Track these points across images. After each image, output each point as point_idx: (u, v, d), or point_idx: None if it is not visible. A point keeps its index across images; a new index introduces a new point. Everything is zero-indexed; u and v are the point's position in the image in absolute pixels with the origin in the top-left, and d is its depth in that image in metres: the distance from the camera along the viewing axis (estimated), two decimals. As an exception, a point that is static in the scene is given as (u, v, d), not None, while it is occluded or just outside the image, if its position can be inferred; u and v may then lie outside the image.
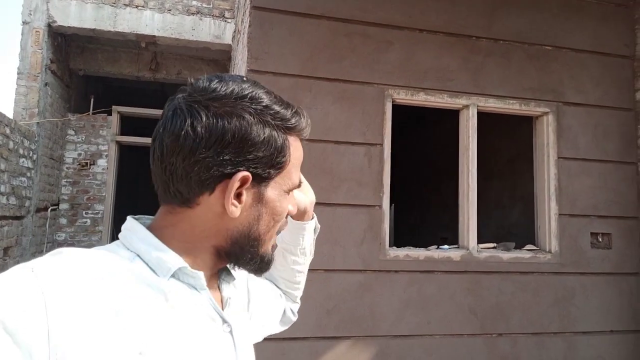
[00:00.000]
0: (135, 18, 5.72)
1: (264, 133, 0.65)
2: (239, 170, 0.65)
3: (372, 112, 3.23)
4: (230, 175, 0.64)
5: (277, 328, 1.06)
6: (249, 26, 3.16)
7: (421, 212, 7.93)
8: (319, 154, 3.11)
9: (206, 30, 5.83)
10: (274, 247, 0.75)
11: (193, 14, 5.86)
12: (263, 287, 1.00)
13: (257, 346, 2.68)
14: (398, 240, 7.72)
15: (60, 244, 6.23)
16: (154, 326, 0.60)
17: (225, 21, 5.88)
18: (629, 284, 3.48)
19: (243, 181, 0.65)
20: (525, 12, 3.55)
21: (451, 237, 3.59)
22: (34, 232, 5.70)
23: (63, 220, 6.29)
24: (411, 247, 3.27)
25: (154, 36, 5.77)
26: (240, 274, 0.82)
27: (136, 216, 0.72)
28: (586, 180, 3.49)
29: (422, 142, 7.82)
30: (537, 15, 3.57)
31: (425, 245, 3.52)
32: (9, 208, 4.76)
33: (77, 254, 0.60)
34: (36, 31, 5.32)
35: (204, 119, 0.63)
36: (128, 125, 7.16)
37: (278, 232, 0.75)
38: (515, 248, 3.48)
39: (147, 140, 6.42)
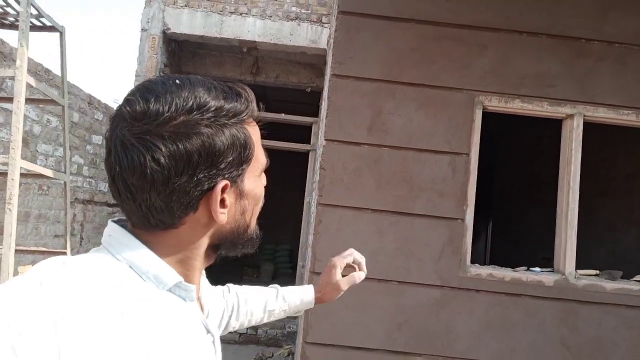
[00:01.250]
0: (239, 25, 6.05)
1: (226, 137, 0.64)
2: (216, 183, 0.65)
3: (459, 119, 3.05)
4: (210, 189, 0.64)
5: None
6: (335, 31, 3.16)
7: (523, 229, 7.35)
8: (400, 161, 3.01)
9: (303, 35, 5.98)
10: (257, 226, 0.78)
11: (292, 19, 6.05)
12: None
13: (325, 351, 2.65)
14: (495, 257, 7.22)
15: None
16: (156, 339, 0.60)
17: (322, 26, 5.98)
18: None
19: (223, 189, 0.66)
20: (649, 10, 3.10)
21: (552, 257, 3.26)
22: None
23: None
24: (496, 267, 3.03)
25: (255, 41, 6.05)
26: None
27: (116, 219, 0.70)
28: None
29: (526, 153, 7.24)
30: (665, 12, 3.10)
31: (525, 264, 3.23)
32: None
33: (81, 266, 0.60)
34: (152, 37, 5.88)
35: (163, 149, 0.60)
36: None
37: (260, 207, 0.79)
38: (624, 277, 3.06)
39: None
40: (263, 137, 0.76)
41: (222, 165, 0.64)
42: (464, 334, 2.88)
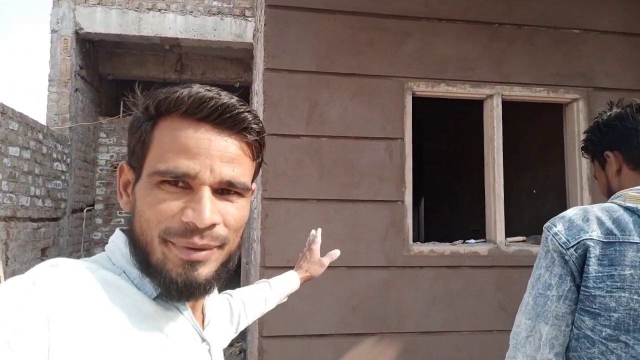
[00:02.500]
0: (158, 22, 5.82)
1: (134, 124, 0.68)
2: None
3: (391, 105, 3.18)
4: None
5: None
6: (265, 25, 3.15)
7: (454, 204, 7.79)
8: (339, 150, 3.09)
9: (227, 30, 5.88)
10: (179, 267, 0.71)
11: (214, 14, 5.92)
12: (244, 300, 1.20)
13: (283, 342, 2.68)
14: (429, 234, 7.60)
15: (97, 243, 6.46)
16: (143, 345, 0.60)
17: (246, 20, 5.92)
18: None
19: (119, 172, 0.73)
20: (551, -5, 3.40)
21: (482, 228, 3.51)
22: (71, 233, 5.91)
23: (99, 220, 6.51)
24: (436, 242, 3.21)
25: (177, 38, 5.86)
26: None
27: (125, 228, 0.71)
28: (620, 168, 3.33)
29: (453, 133, 7.66)
30: (564, -3, 3.41)
31: (457, 238, 3.45)
32: (45, 210, 4.97)
33: (74, 268, 0.60)
34: (64, 39, 5.50)
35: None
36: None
37: (172, 237, 0.65)
38: (546, 240, 3.36)
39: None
40: None
41: (130, 147, 0.68)
42: (412, 309, 3.03)
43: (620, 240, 1.03)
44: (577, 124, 3.36)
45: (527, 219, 5.10)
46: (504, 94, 3.31)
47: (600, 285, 1.01)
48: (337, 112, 3.11)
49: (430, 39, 3.27)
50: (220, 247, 0.65)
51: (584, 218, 1.10)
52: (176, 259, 0.62)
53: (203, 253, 0.63)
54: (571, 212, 1.16)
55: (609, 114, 1.31)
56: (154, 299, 0.65)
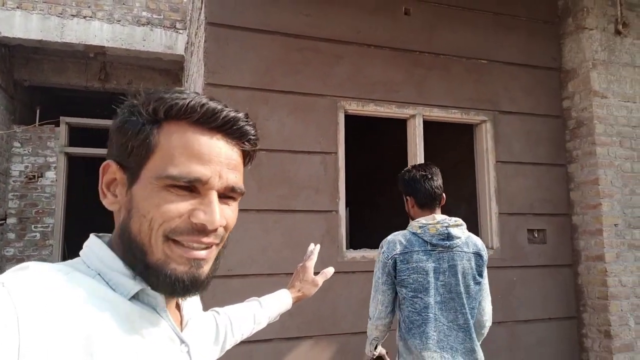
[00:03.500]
0: (83, 29, 5.63)
1: (127, 123, 0.68)
2: (107, 161, 0.73)
3: (326, 122, 3.41)
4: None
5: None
6: (205, 41, 3.26)
7: (374, 214, 8.21)
8: (278, 163, 3.25)
9: (157, 41, 5.83)
10: (185, 265, 0.72)
11: (143, 24, 5.84)
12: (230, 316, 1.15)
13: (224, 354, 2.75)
14: (354, 242, 7.95)
15: (9, 260, 6.00)
16: (117, 346, 0.59)
17: (177, 32, 5.91)
18: (564, 275, 3.84)
19: (104, 170, 0.72)
20: (462, 29, 3.85)
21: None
22: (-22, 250, 5.44)
23: (11, 235, 6.06)
24: (367, 249, 3.47)
25: (103, 47, 5.70)
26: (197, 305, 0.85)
27: (99, 234, 0.71)
28: (522, 182, 3.83)
29: (377, 149, 8.11)
30: (473, 31, 3.88)
31: (375, 245, 3.72)
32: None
33: (44, 270, 0.60)
34: (-22, 42, 5.14)
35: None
36: (77, 136, 6.99)
37: (179, 235, 0.67)
38: (462, 246, 3.75)
39: (98, 151, 6.31)
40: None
41: (114, 147, 0.68)
42: (346, 312, 3.25)
43: (409, 250, 2.00)
44: (486, 142, 3.82)
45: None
46: (425, 114, 3.68)
47: (404, 273, 2.00)
48: (275, 127, 3.28)
49: (360, 62, 3.56)
50: (218, 244, 0.70)
51: (393, 242, 2.06)
52: (180, 258, 0.65)
53: (205, 252, 0.67)
54: (389, 238, 2.09)
55: (409, 174, 2.17)
56: (130, 300, 0.64)
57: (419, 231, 2.01)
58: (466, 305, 2.00)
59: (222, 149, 0.67)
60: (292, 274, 3.22)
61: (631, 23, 4.04)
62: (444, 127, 4.39)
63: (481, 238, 3.77)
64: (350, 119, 3.70)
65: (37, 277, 0.58)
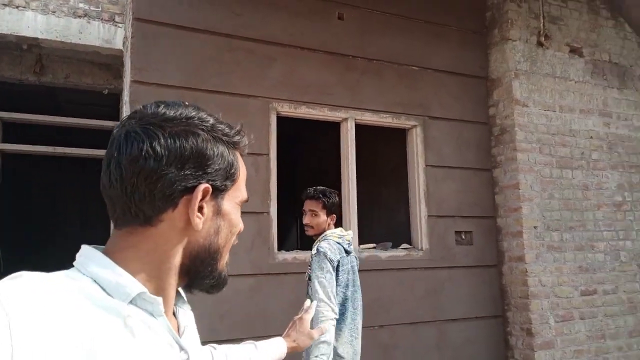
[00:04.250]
0: (15, 19, 5.35)
1: (217, 148, 0.70)
2: (200, 183, 0.68)
3: (258, 123, 3.41)
4: (192, 189, 0.68)
5: None
6: (132, 37, 3.18)
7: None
8: (206, 164, 3.21)
9: (95, 34, 5.62)
10: (227, 264, 0.79)
11: (80, 16, 5.62)
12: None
13: None
14: (304, 244, 7.96)
15: None
16: (113, 353, 0.59)
17: (116, 25, 5.72)
18: (489, 275, 4.01)
19: (204, 193, 0.68)
20: (395, 35, 3.95)
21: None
22: None
23: None
24: (299, 251, 3.50)
25: (37, 38, 5.43)
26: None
27: (90, 245, 0.72)
28: (451, 185, 3.97)
29: (320, 151, 8.18)
30: (405, 38, 3.99)
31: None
32: None
33: (37, 278, 0.60)
34: None
35: (161, 138, 0.66)
36: (12, 132, 6.64)
37: (233, 243, 0.79)
38: (394, 247, 3.85)
39: (37, 149, 5.99)
40: (55, 143, 0.75)
41: (209, 170, 0.69)
42: (277, 313, 3.25)
43: (342, 255, 2.47)
44: (416, 146, 3.94)
45: (384, 229, 5.70)
46: (357, 118, 3.75)
47: (339, 273, 2.43)
48: (204, 128, 3.24)
49: (293, 64, 3.58)
50: None
51: (333, 249, 2.45)
52: (226, 262, 0.79)
53: None
54: (328, 246, 2.46)
55: (336, 196, 2.66)
56: (128, 305, 0.64)
57: (339, 240, 2.53)
58: (360, 295, 2.60)
59: None
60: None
61: (553, 35, 4.29)
62: (385, 131, 4.48)
63: (411, 239, 3.90)
64: (288, 121, 3.71)
65: (29, 284, 0.58)
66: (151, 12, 3.22)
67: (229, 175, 0.72)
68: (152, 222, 0.67)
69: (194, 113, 0.70)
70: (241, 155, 0.78)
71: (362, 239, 3.81)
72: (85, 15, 5.66)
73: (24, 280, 0.59)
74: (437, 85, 4.06)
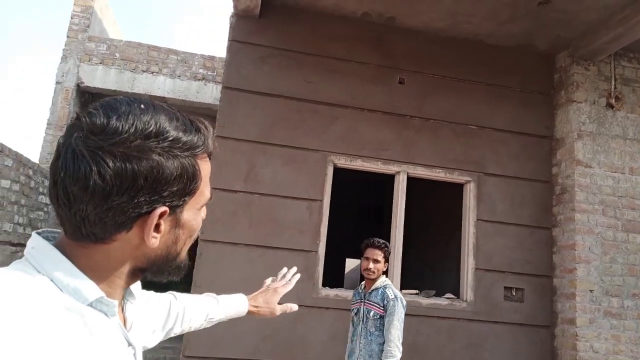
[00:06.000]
0: (150, 82, 6.72)
1: (176, 168, 0.65)
2: (155, 208, 0.64)
3: (315, 173, 3.93)
4: (147, 213, 0.64)
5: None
6: (220, 101, 3.97)
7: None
8: (268, 205, 3.80)
9: (209, 94, 6.77)
10: (187, 254, 0.77)
11: (199, 79, 6.83)
12: (156, 301, 1.10)
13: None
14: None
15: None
16: (76, 351, 0.60)
17: (226, 87, 6.84)
18: (540, 335, 3.93)
19: (163, 215, 0.66)
20: (454, 97, 4.26)
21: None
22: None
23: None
24: (342, 289, 3.85)
25: (164, 97, 6.73)
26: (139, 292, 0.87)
27: (39, 230, 0.70)
28: (502, 241, 4.04)
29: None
30: (464, 99, 4.28)
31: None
32: (25, 237, 5.58)
33: None
34: (66, 90, 6.35)
35: (111, 166, 0.60)
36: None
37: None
38: (437, 295, 4.01)
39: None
40: None
41: (165, 193, 0.64)
42: (315, 343, 3.62)
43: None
44: (469, 201, 4.11)
45: (455, 280, 5.73)
46: (409, 171, 4.08)
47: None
48: (269, 175, 3.85)
49: (353, 123, 4.08)
50: None
51: (403, 297, 2.85)
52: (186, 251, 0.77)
53: None
54: (400, 294, 2.86)
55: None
56: (80, 305, 0.64)
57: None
58: None
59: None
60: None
61: (625, 97, 4.22)
62: (448, 186, 4.67)
63: (459, 290, 4.02)
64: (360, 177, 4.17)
65: None
66: (238, 82, 3.99)
67: (189, 191, 0.68)
68: (105, 241, 0.65)
69: (151, 127, 0.63)
70: (207, 154, 0.71)
71: (432, 286, 4.03)
72: (203, 78, 6.85)
73: None
74: (495, 144, 4.23)
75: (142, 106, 0.65)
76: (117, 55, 6.70)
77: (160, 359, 6.41)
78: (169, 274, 0.74)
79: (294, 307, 1.43)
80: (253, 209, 3.76)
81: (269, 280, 1.44)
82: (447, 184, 4.47)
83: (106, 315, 0.67)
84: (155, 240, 0.66)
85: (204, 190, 0.72)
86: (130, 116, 0.63)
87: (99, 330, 0.64)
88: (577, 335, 3.61)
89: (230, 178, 3.79)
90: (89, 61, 6.59)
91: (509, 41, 4.32)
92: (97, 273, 0.66)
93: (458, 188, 4.46)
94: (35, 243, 0.66)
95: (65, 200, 0.63)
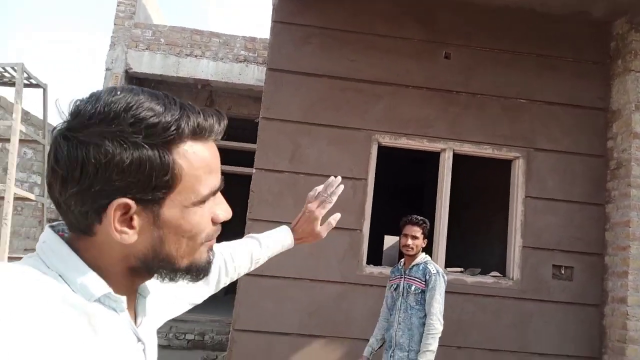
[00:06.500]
0: (193, 66, 6.87)
1: (133, 157, 0.60)
2: (113, 199, 0.61)
3: (359, 152, 3.94)
4: (107, 205, 0.61)
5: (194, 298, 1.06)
6: (265, 83, 4.02)
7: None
8: (312, 185, 3.83)
9: (250, 75, 6.86)
10: (209, 254, 0.71)
11: (241, 61, 6.92)
12: None
13: (250, 336, 3.41)
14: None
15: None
16: (78, 351, 0.59)
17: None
18: (589, 314, 3.84)
19: (125, 208, 0.62)
20: (502, 70, 4.13)
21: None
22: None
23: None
24: (386, 266, 3.89)
25: (208, 80, 6.88)
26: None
27: (54, 224, 0.69)
28: (551, 218, 3.94)
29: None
30: (513, 72, 4.13)
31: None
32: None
33: (4, 270, 0.60)
34: (115, 76, 6.60)
35: (65, 152, 0.59)
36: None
37: (210, 239, 0.70)
38: (482, 274, 3.98)
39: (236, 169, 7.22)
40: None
41: (120, 184, 0.60)
42: (359, 320, 3.70)
43: None
44: (517, 178, 4.02)
45: (497, 257, 5.65)
46: (455, 148, 4.02)
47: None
48: (314, 155, 3.90)
49: (397, 101, 4.04)
50: None
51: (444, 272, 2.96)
52: (207, 252, 0.71)
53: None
54: (441, 270, 2.92)
55: None
56: (89, 301, 0.63)
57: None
58: None
59: (218, 153, 0.69)
60: (315, 280, 3.79)
61: (690, 65, 3.95)
62: (496, 162, 4.55)
63: (505, 268, 3.97)
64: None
65: None
66: (281, 63, 4.02)
67: (160, 185, 0.62)
68: (89, 233, 0.64)
69: (113, 111, 0.60)
70: (194, 138, 0.64)
71: (475, 264, 4.01)
72: (245, 60, 6.93)
73: None
74: (546, 117, 4.08)
75: (119, 92, 0.62)
76: (162, 40, 6.87)
77: (207, 332, 6.73)
78: (181, 275, 0.69)
79: (337, 216, 1.29)
80: (298, 188, 3.83)
81: (310, 195, 1.30)
82: (492, 161, 4.38)
83: (115, 311, 0.66)
84: (126, 236, 0.63)
85: (195, 186, 0.64)
86: (99, 101, 0.61)
87: (104, 327, 0.63)
88: (627, 314, 3.51)
89: (276, 159, 3.87)
90: (136, 47, 6.80)
91: (562, 9, 4.11)
92: (96, 269, 0.64)
93: (504, 165, 4.36)
94: (47, 237, 0.66)
95: (48, 187, 0.64)
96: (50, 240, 0.65)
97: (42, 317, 0.56)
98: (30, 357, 0.54)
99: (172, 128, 0.61)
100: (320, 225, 1.27)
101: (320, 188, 1.30)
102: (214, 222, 0.69)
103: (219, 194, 0.69)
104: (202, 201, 0.66)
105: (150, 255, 0.66)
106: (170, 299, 0.92)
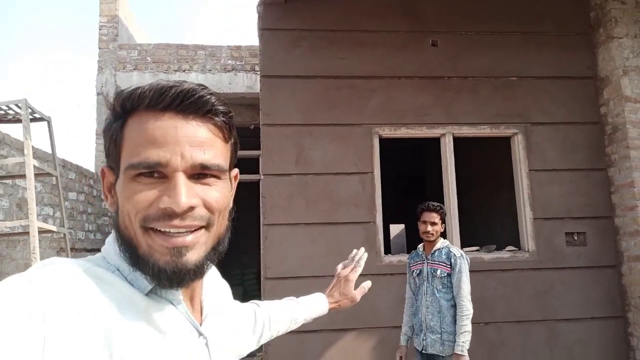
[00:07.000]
0: (182, 80, 6.91)
1: (108, 126, 0.67)
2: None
3: (362, 146, 4.01)
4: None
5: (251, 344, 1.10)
6: (260, 90, 4.08)
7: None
8: (322, 184, 3.93)
9: (240, 83, 6.91)
10: (148, 242, 0.64)
11: (229, 71, 6.97)
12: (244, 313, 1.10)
13: (282, 337, 3.47)
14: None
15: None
16: (135, 340, 0.61)
17: (255, 73, 6.93)
18: (606, 276, 3.95)
19: (103, 174, 0.70)
20: (490, 51, 4.21)
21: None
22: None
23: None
24: (404, 254, 3.97)
25: (199, 93, 6.92)
26: (224, 292, 0.88)
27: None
28: (557, 188, 4.04)
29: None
30: (501, 52, 4.22)
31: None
32: (96, 242, 5.97)
33: (68, 265, 0.62)
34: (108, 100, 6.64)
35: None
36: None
37: (149, 223, 0.64)
38: (498, 250, 4.07)
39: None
40: None
41: (106, 152, 0.68)
42: (384, 309, 3.78)
43: None
44: (518, 153, 4.11)
45: (507, 234, 5.76)
46: (454, 132, 4.11)
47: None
48: (319, 155, 3.97)
49: (391, 93, 4.12)
50: (206, 227, 0.67)
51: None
52: (161, 248, 0.63)
53: (190, 237, 0.65)
54: (465, 254, 3.00)
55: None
56: (147, 294, 0.66)
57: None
58: None
59: (178, 127, 0.64)
60: (334, 275, 3.85)
61: (669, 25, 4.06)
62: (495, 141, 4.67)
63: (519, 241, 4.07)
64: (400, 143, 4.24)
65: (61, 272, 0.60)
66: (274, 69, 4.08)
67: (112, 152, 0.66)
68: None
69: (124, 90, 0.67)
70: (147, 109, 0.64)
71: (487, 242, 4.10)
72: (233, 69, 6.98)
73: (56, 269, 0.61)
74: (537, 92, 4.18)
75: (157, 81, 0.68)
76: (149, 59, 6.90)
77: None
78: (137, 263, 0.65)
79: (368, 283, 1.41)
80: (308, 189, 3.90)
81: (339, 267, 1.40)
82: (488, 140, 4.47)
83: (172, 303, 0.68)
84: (107, 203, 0.70)
85: (130, 155, 0.64)
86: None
87: (159, 318, 0.64)
88: (645, 272, 3.62)
89: (282, 163, 3.93)
90: (124, 69, 6.82)
91: (540, -15, 4.20)
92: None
93: (500, 142, 4.46)
94: (110, 237, 0.70)
95: None
96: (111, 240, 0.69)
97: (98, 308, 0.59)
98: (86, 344, 0.56)
99: (130, 99, 0.65)
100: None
101: (347, 262, 1.43)
102: (159, 207, 0.63)
103: (175, 180, 0.64)
104: (131, 173, 0.64)
105: (116, 230, 0.67)
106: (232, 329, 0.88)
